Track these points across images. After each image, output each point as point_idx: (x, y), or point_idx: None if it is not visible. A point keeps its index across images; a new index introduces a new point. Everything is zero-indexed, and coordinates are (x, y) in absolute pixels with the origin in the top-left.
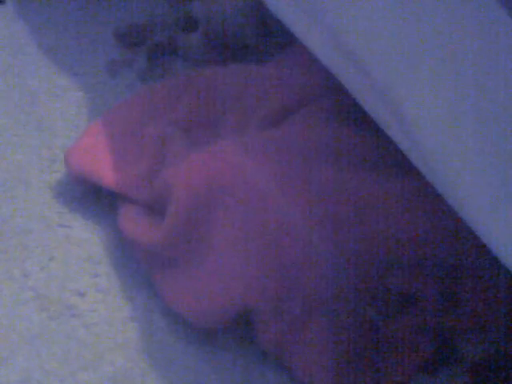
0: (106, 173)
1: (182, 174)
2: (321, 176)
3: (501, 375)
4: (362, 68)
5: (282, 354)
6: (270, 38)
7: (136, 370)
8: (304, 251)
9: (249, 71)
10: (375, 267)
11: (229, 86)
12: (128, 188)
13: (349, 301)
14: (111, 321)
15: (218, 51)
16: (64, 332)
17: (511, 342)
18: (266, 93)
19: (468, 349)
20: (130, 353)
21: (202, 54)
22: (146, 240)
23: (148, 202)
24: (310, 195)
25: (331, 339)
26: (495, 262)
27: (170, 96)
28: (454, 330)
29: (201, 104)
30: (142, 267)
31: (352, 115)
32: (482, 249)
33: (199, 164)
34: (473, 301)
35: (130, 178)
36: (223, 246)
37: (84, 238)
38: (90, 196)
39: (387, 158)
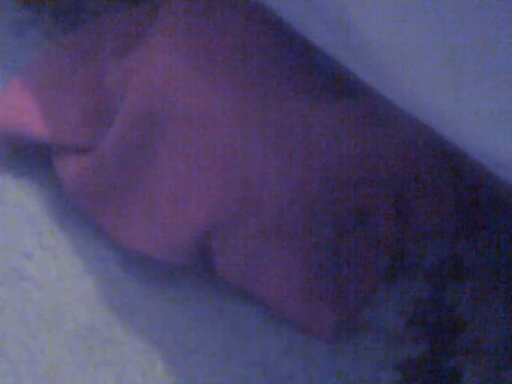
0: (37, 126)
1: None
2: (267, 101)
3: (455, 276)
4: None
5: (245, 282)
6: None
7: (100, 322)
8: (260, 174)
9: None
10: (328, 186)
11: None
12: (64, 136)
13: (306, 220)
14: (65, 277)
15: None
16: (17, 296)
17: (461, 244)
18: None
19: (422, 255)
20: (91, 306)
21: (108, 5)
22: (87, 171)
23: (89, 145)
24: (259, 121)
25: (293, 259)
26: (443, 171)
27: (91, 42)
28: (407, 239)
29: (125, 44)
30: (88, 216)
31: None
32: (429, 161)
33: (140, 83)
34: (423, 210)
35: (65, 125)
36: (174, 174)
37: (20, 199)
38: (16, 155)
39: (322, 83)
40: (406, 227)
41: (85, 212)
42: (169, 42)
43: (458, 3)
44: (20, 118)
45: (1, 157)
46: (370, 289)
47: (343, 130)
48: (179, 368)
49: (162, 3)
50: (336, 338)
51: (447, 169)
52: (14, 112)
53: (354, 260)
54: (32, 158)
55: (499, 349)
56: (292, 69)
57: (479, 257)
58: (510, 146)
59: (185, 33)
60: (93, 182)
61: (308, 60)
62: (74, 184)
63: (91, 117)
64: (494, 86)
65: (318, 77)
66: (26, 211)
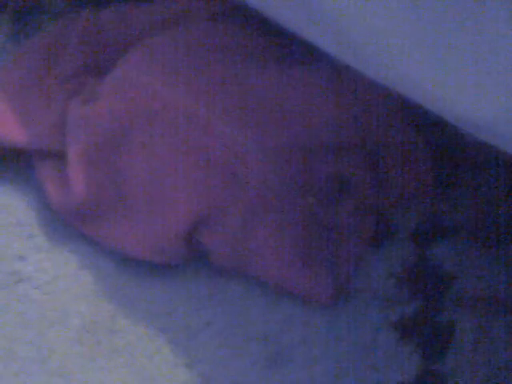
0: (13, 132)
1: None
2: (232, 79)
3: (437, 234)
4: None
5: (240, 264)
6: None
7: (103, 315)
8: (237, 154)
9: None
10: (307, 157)
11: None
12: (41, 141)
13: (288, 192)
14: (62, 276)
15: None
16: (17, 298)
17: (441, 205)
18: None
19: (403, 218)
20: (92, 300)
21: (68, 6)
22: (61, 201)
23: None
24: (227, 100)
25: (281, 232)
26: (417, 132)
27: (59, 43)
28: (387, 205)
29: (93, 49)
30: (76, 228)
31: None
32: (402, 123)
33: (114, 94)
34: (400, 173)
35: (41, 129)
36: (152, 175)
37: (6, 204)
38: None
39: (292, 54)
40: (385, 191)
41: (73, 225)
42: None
43: None
44: None
45: None
46: (358, 254)
47: (315, 98)
48: (185, 349)
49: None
50: (333, 301)
51: (421, 130)
52: None
53: (339, 228)
54: (13, 161)
55: (488, 298)
56: (261, 46)
57: (459, 213)
58: (491, 112)
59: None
60: (73, 198)
61: (276, 35)
62: (56, 200)
63: (63, 120)
64: (474, 54)
65: (287, 49)
66: (13, 215)
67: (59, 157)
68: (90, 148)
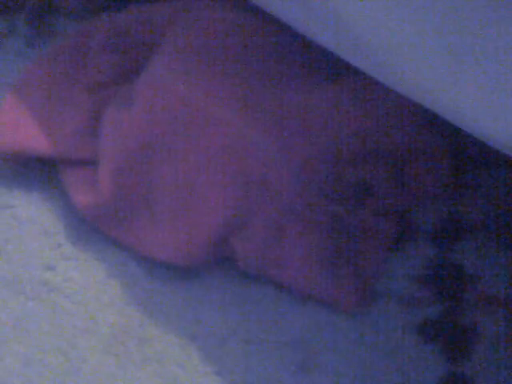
0: (39, 142)
1: (128, 117)
2: (264, 88)
3: (458, 235)
4: None
5: (267, 271)
6: None
7: (133, 323)
8: (267, 164)
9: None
10: (335, 167)
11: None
12: (67, 149)
13: (318, 203)
14: (90, 284)
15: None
16: (48, 308)
17: (461, 205)
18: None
19: (424, 219)
20: (121, 308)
21: (84, 6)
22: (94, 194)
23: (92, 157)
24: (260, 110)
25: (308, 239)
26: (436, 135)
27: (82, 49)
28: (408, 207)
29: (119, 54)
30: (104, 232)
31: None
32: (423, 127)
33: (148, 99)
34: (420, 174)
35: (67, 138)
36: (185, 182)
37: (32, 214)
38: (22, 171)
39: (316, 66)
40: (406, 193)
41: (100, 229)
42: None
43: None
44: (20, 134)
45: (6, 173)
46: (381, 258)
47: (343, 109)
48: (215, 357)
49: (146, 8)
50: (359, 306)
51: (439, 129)
52: (13, 129)
53: (363, 231)
54: (38, 170)
55: (510, 298)
56: (287, 58)
57: (479, 213)
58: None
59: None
60: (101, 201)
61: (300, 47)
62: (83, 204)
63: (92, 128)
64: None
65: (312, 60)
66: (40, 225)
67: (85, 164)
68: (121, 153)
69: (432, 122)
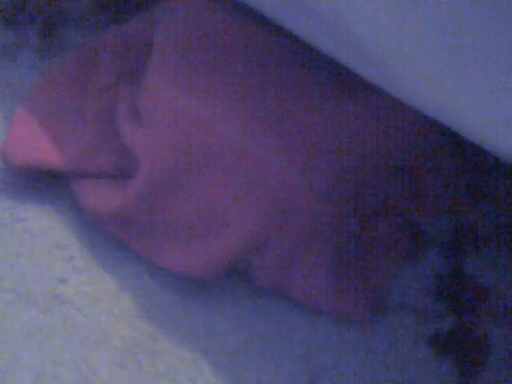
0: (51, 155)
1: (149, 137)
2: (284, 110)
3: (471, 246)
4: None
5: (281, 286)
6: None
7: (145, 336)
8: (287, 184)
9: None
10: (355, 187)
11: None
12: (79, 163)
13: (334, 220)
14: (102, 297)
15: (111, 10)
16: (60, 321)
17: (474, 216)
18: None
19: (436, 232)
20: (133, 321)
21: (95, 17)
22: (117, 205)
23: (104, 171)
24: (280, 134)
25: (323, 256)
26: (448, 147)
27: (91, 62)
28: (422, 218)
29: (125, 59)
30: (121, 241)
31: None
32: (438, 140)
33: (166, 125)
34: (434, 187)
35: (79, 151)
36: (207, 200)
37: (44, 226)
38: (34, 184)
39: (334, 82)
40: (420, 206)
41: (117, 238)
42: (172, 77)
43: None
44: (32, 149)
45: (19, 186)
46: (393, 270)
47: (362, 128)
48: (226, 371)
49: (153, 17)
50: (370, 319)
51: (451, 143)
52: (25, 143)
53: (376, 245)
54: (50, 183)
55: None
56: (304, 75)
57: (491, 225)
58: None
59: (187, 58)
60: (122, 213)
61: (317, 64)
62: (101, 214)
63: (104, 143)
64: (496, 84)
65: (329, 78)
66: (52, 237)
67: (97, 176)
68: (146, 172)
69: (447, 137)
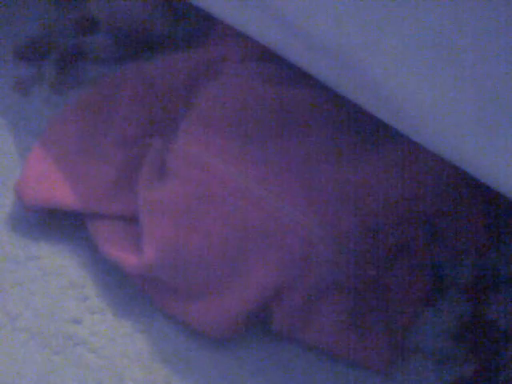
0: (66, 194)
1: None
2: (299, 159)
3: (492, 289)
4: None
5: (299, 333)
6: (182, 24)
7: (159, 380)
8: (307, 244)
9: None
10: (373, 235)
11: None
12: (96, 203)
13: (353, 270)
14: (117, 338)
15: (129, 47)
16: (73, 363)
17: (494, 258)
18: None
19: (457, 274)
20: (147, 364)
21: (112, 54)
22: (135, 264)
23: (122, 212)
24: (295, 183)
25: (341, 303)
26: (470, 189)
27: (110, 101)
28: (442, 260)
29: (146, 103)
30: (133, 282)
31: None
32: (457, 183)
33: (184, 175)
34: (455, 230)
35: (96, 191)
36: (222, 255)
37: (58, 265)
38: (49, 222)
39: (357, 131)
40: (440, 249)
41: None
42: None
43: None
44: (47, 188)
45: (33, 223)
46: (413, 313)
47: (383, 178)
48: None
49: (173, 60)
50: (389, 365)
51: (471, 185)
52: (40, 182)
53: (395, 289)
54: (65, 222)
55: None
56: (328, 127)
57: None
58: None
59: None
60: (138, 270)
61: (341, 116)
62: (117, 263)
63: (121, 183)
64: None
65: (351, 129)
66: (66, 277)
67: (113, 218)
68: (161, 228)
69: (467, 179)
